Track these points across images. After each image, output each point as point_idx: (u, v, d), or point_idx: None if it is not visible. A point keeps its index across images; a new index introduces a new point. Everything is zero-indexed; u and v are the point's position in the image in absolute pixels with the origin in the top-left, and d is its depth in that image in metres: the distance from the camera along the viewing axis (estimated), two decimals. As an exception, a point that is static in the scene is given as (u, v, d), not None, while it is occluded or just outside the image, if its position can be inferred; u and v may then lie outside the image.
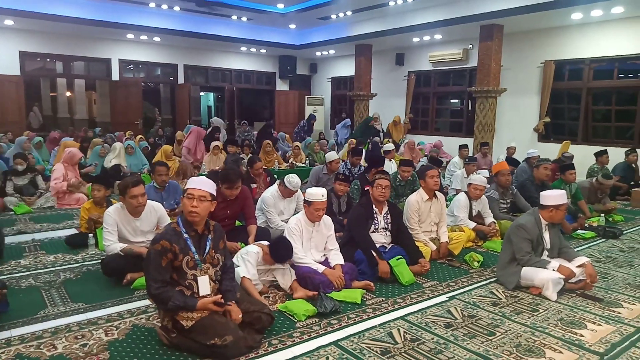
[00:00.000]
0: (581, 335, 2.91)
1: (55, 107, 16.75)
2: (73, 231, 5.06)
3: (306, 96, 15.73)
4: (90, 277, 3.80)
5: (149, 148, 9.42)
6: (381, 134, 11.64)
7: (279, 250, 3.43)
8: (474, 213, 5.04)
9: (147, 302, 3.24)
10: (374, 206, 4.06)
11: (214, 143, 8.50)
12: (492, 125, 10.01)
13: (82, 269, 3.98)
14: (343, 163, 7.02)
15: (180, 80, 13.99)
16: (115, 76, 12.77)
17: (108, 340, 2.72)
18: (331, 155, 6.36)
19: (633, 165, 7.98)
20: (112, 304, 3.24)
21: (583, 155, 8.66)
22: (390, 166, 7.50)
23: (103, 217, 3.79)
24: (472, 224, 4.92)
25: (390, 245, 4.11)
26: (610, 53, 9.12)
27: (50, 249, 4.53)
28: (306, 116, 14.03)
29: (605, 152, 7.60)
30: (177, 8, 10.88)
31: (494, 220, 5.05)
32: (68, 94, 16.79)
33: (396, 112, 12.95)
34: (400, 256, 3.87)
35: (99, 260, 3.89)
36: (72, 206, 6.39)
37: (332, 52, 14.41)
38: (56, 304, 3.23)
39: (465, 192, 5.11)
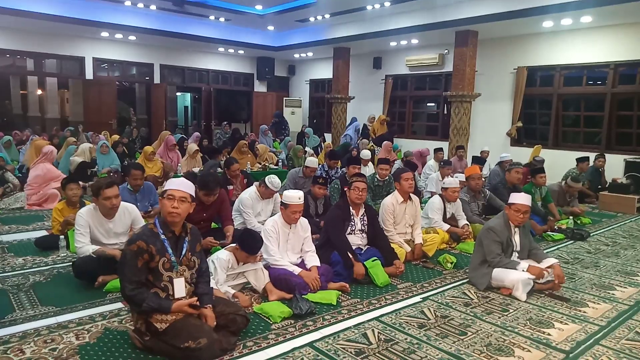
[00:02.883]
0: (548, 334, 3.00)
1: (26, 105, 16.29)
2: (43, 233, 4.94)
3: (284, 98, 15.69)
4: (61, 279, 3.72)
5: (124, 149, 9.29)
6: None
7: (247, 242, 3.38)
8: (448, 215, 5.14)
9: (119, 305, 3.20)
10: (350, 208, 4.10)
11: (193, 147, 8.39)
12: (467, 129, 10.20)
13: (53, 271, 3.89)
14: (320, 166, 7.04)
15: (156, 80, 13.78)
16: (89, 75, 12.49)
17: (79, 344, 2.67)
18: (312, 162, 6.35)
19: (600, 169, 8.27)
20: (83, 307, 3.18)
21: (553, 160, 8.96)
22: (366, 170, 7.54)
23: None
24: (446, 226, 5.02)
25: (366, 247, 4.15)
26: (579, 60, 9.43)
27: (19, 251, 4.41)
28: (286, 117, 14.07)
29: (587, 158, 7.85)
30: (153, 7, 10.71)
31: (467, 223, 5.16)
32: (39, 92, 16.33)
33: (374, 115, 13.07)
34: (376, 258, 3.91)
35: (70, 263, 3.81)
36: (42, 207, 6.23)
37: (310, 54, 14.43)
38: (25, 308, 3.15)
39: (440, 194, 5.21)
